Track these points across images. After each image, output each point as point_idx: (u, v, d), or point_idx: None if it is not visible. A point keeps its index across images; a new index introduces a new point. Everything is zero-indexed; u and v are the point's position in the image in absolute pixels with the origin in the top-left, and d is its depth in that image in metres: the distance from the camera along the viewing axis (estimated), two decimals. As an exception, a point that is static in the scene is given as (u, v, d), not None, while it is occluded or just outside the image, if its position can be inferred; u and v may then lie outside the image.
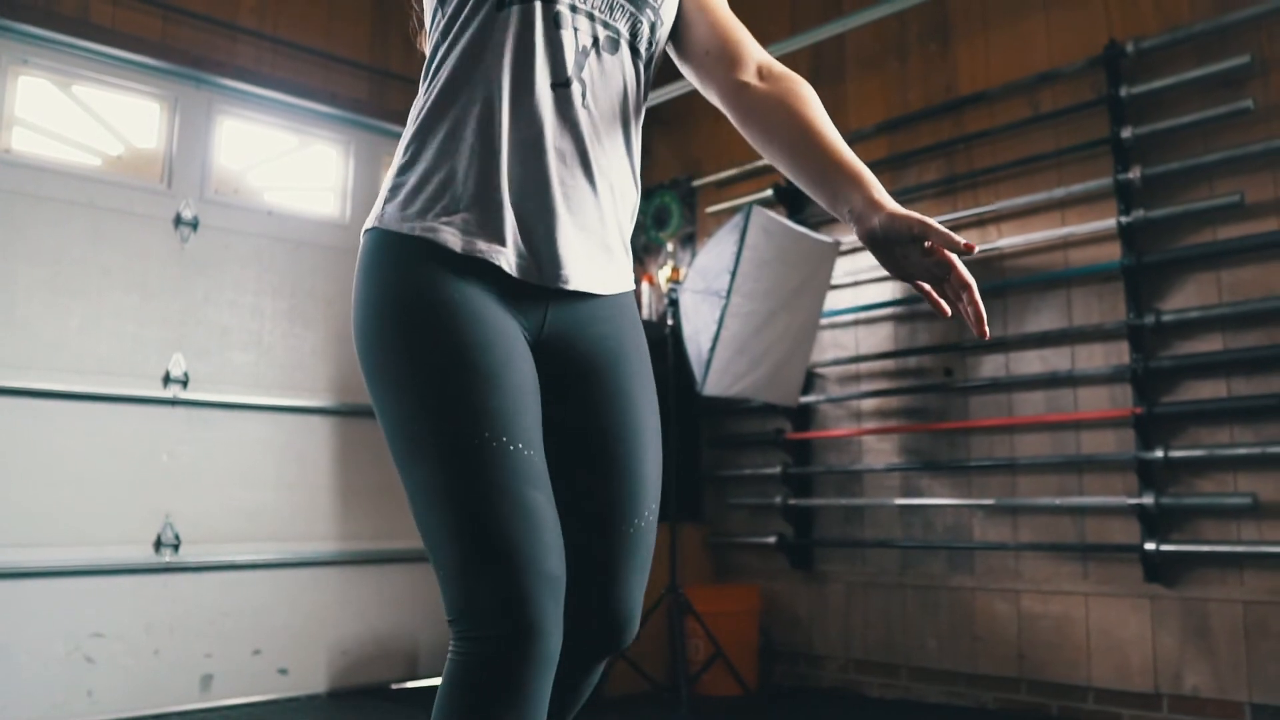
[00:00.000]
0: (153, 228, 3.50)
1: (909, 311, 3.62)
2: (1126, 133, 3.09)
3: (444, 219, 1.10)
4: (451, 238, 1.09)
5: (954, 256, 1.06)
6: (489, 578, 0.97)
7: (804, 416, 3.88)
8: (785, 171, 1.20)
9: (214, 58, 3.68)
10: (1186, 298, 3.01)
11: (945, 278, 1.07)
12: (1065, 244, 3.27)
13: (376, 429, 3.87)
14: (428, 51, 1.21)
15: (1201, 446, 2.92)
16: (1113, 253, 3.14)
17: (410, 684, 3.85)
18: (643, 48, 1.21)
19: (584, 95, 1.15)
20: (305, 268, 3.85)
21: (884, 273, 3.69)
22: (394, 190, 1.15)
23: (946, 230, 1.03)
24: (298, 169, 4.00)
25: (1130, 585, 3.04)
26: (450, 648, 1.01)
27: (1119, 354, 3.11)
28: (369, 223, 1.17)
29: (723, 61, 1.25)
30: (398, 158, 1.17)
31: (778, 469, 3.87)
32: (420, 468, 1.02)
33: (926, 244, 1.05)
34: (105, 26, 3.44)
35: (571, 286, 1.15)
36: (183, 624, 3.39)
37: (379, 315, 1.09)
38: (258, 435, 3.65)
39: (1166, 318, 2.99)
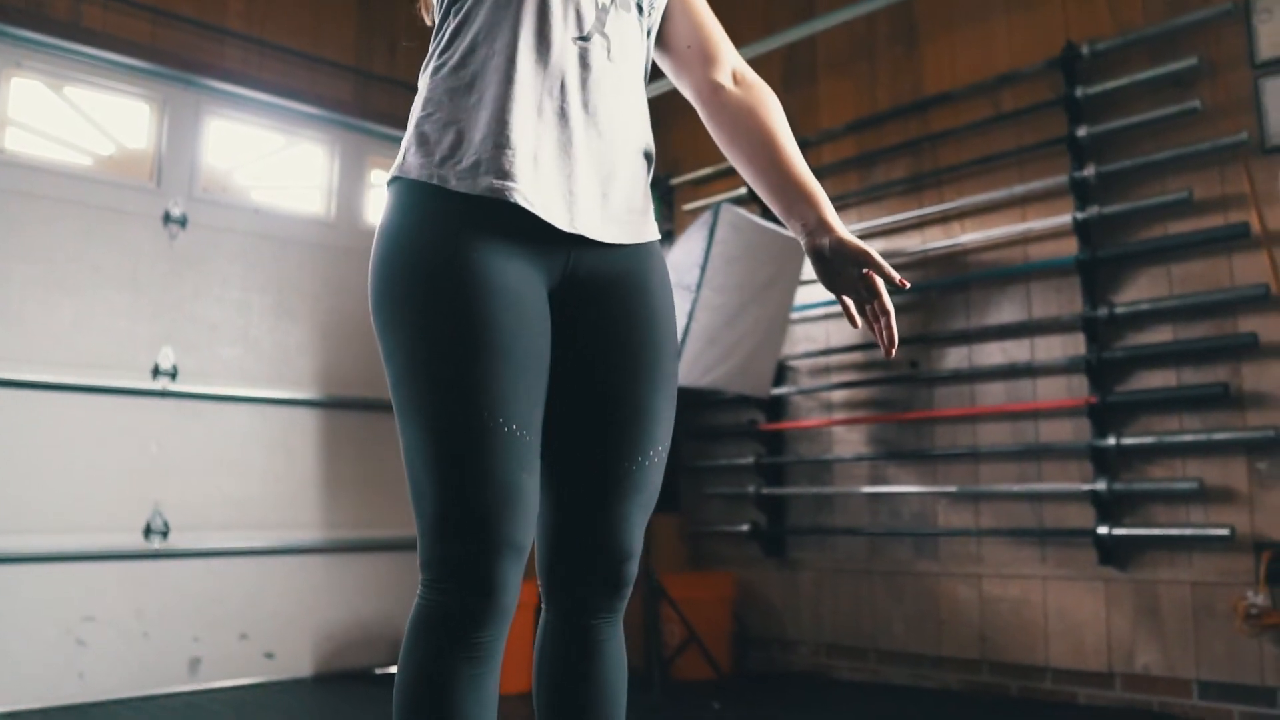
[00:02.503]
0: (143, 225, 3.61)
1: (877, 305, 3.72)
2: (1082, 132, 3.20)
3: (466, 166, 1.13)
4: (474, 183, 1.12)
5: (881, 285, 1.19)
6: (461, 542, 1.06)
7: (777, 408, 3.99)
8: (745, 175, 1.29)
9: (202, 60, 3.79)
10: (1139, 290, 3.12)
11: (870, 301, 1.21)
12: (1025, 239, 3.38)
13: (361, 421, 3.99)
14: (437, 9, 1.24)
15: (1152, 434, 3.03)
16: (1070, 248, 3.25)
17: (394, 669, 3.94)
18: (645, 5, 1.26)
19: (608, 51, 1.19)
20: (291, 264, 3.96)
21: (853, 268, 3.79)
22: (416, 140, 1.17)
23: (885, 263, 1.16)
24: (284, 168, 4.11)
25: (1085, 569, 3.15)
26: (419, 592, 1.10)
27: (1075, 345, 3.22)
28: (392, 173, 1.19)
29: (702, 58, 1.32)
30: (418, 109, 1.20)
31: (751, 459, 3.98)
32: (416, 430, 1.09)
33: (865, 271, 1.18)
34: (96, 30, 3.55)
35: (592, 235, 1.17)
36: (172, 609, 3.50)
37: (395, 272, 1.13)
38: (245, 426, 3.76)
39: (1119, 310, 3.10)
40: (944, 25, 3.67)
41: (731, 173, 4.21)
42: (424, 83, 1.21)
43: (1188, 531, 2.92)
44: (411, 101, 1.24)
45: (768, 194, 1.26)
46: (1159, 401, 3.03)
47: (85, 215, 3.48)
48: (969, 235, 3.49)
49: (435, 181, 1.13)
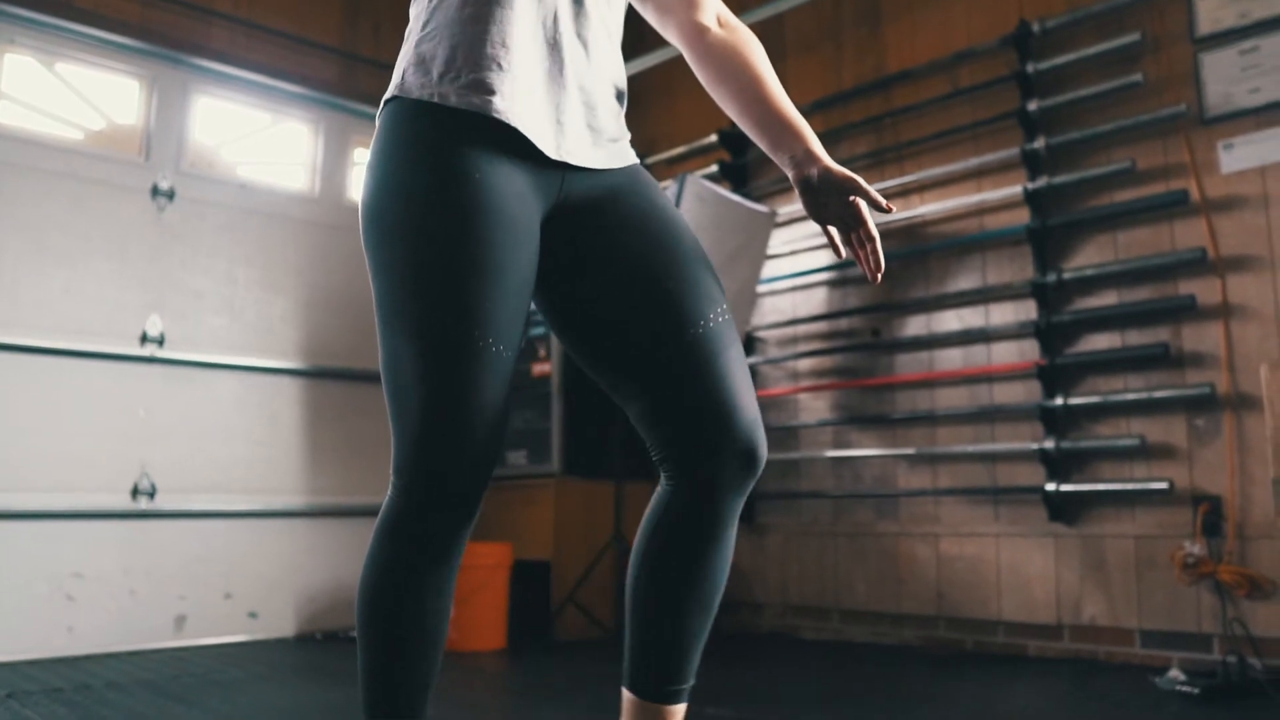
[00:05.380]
0: (131, 198, 3.74)
1: (841, 277, 3.86)
2: (1033, 106, 3.33)
3: (464, 84, 1.16)
4: (470, 100, 1.15)
5: (865, 212, 1.24)
6: (437, 455, 1.11)
7: (746, 378, 4.11)
8: (731, 113, 1.32)
9: (191, 40, 3.92)
10: (1086, 257, 3.25)
11: (856, 228, 1.25)
12: (980, 210, 3.51)
13: (343, 390, 4.11)
14: None
15: (1098, 394, 3.15)
16: (1022, 217, 3.38)
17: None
18: None
19: None
20: (276, 238, 4.09)
21: (819, 241, 3.93)
22: (414, 60, 1.20)
23: (871, 189, 1.21)
24: (270, 146, 4.24)
25: (1036, 525, 3.27)
26: (389, 493, 1.17)
27: (1027, 311, 3.34)
28: (389, 93, 1.21)
29: (686, 2, 1.36)
30: (415, 32, 1.23)
31: (721, 428, 4.10)
32: (403, 344, 1.12)
33: (851, 198, 1.22)
34: (88, 10, 3.68)
35: (577, 162, 1.21)
36: (158, 567, 3.62)
37: (394, 185, 1.15)
38: (230, 393, 3.89)
39: (1068, 276, 3.23)
40: (906, 5, 3.81)
41: (702, 151, 4.35)
42: (416, 10, 1.26)
43: (1131, 486, 3.04)
44: None
45: (754, 130, 1.30)
46: (1104, 362, 3.15)
47: (76, 188, 3.61)
48: (928, 207, 3.61)
49: (436, 99, 1.16)
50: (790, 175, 1.26)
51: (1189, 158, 3.04)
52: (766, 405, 4.07)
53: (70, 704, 2.58)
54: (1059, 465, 3.20)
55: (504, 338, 1.13)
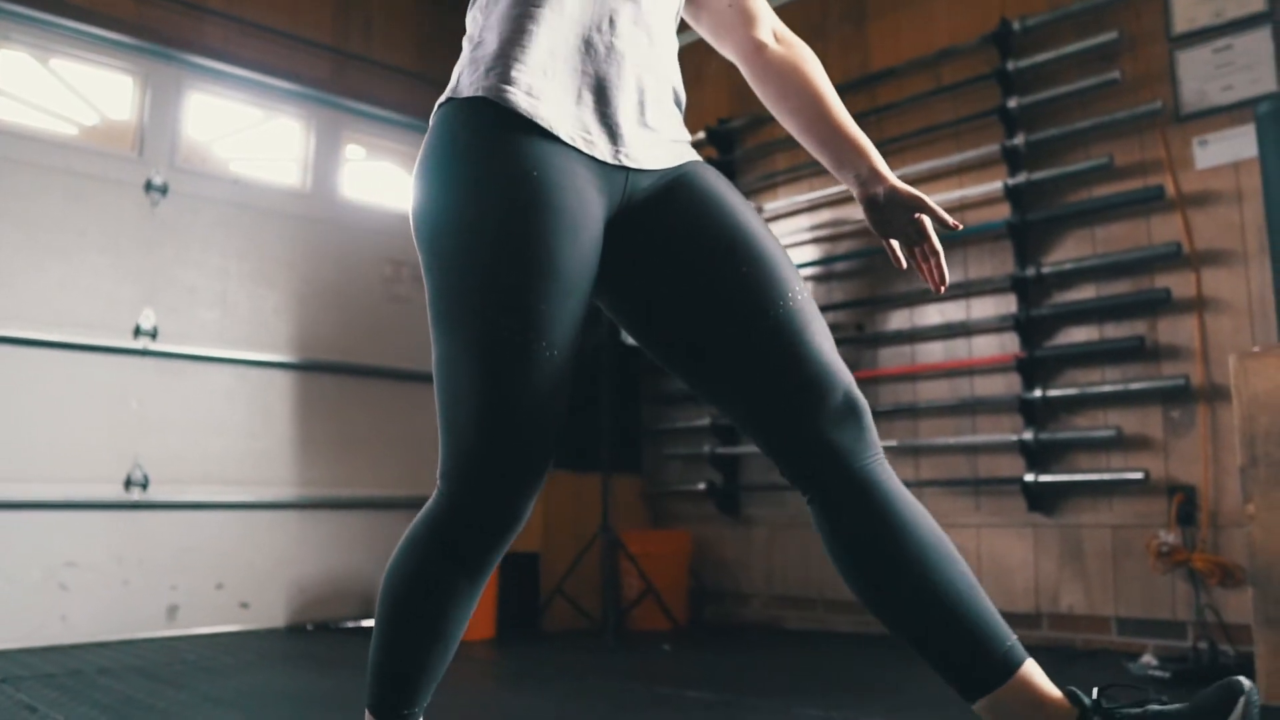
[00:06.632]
0: (125, 193, 3.78)
1: (826, 272, 3.91)
2: (1013, 103, 3.38)
3: (514, 86, 1.13)
4: (520, 102, 1.12)
5: (930, 227, 1.25)
6: (487, 471, 1.09)
7: (733, 372, 4.16)
8: (793, 130, 1.32)
9: (184, 36, 3.96)
10: (1065, 251, 3.30)
11: (920, 243, 1.27)
12: (962, 206, 3.56)
13: (335, 384, 4.16)
14: None
15: (1075, 386, 3.21)
16: (1002, 213, 3.43)
17: (364, 622, 4.11)
18: None
19: None
20: (269, 233, 4.13)
21: (803, 237, 3.98)
22: (469, 62, 1.18)
23: (938, 207, 1.23)
24: (262, 141, 4.28)
25: (1015, 516, 3.32)
26: (434, 497, 1.15)
27: (1007, 305, 3.40)
28: (442, 99, 1.19)
29: (743, 17, 1.34)
30: (473, 35, 1.21)
31: (707, 421, 4.15)
32: (455, 346, 1.09)
33: (916, 215, 1.23)
34: (82, 6, 3.72)
35: (634, 165, 1.18)
36: (151, 557, 3.67)
37: (443, 187, 1.13)
38: (222, 386, 3.93)
39: (1047, 270, 3.28)
40: (890, 4, 3.86)
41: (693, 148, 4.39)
42: (473, 14, 1.24)
43: (1107, 476, 3.09)
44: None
45: (817, 147, 1.29)
46: (1082, 355, 3.21)
47: (70, 182, 3.65)
48: (911, 203, 3.66)
49: (491, 96, 1.13)
50: (855, 193, 1.26)
51: (1165, 154, 3.10)
52: (753, 399, 4.12)
53: (63, 688, 2.63)
54: (1038, 456, 3.25)
55: (559, 341, 1.10)
